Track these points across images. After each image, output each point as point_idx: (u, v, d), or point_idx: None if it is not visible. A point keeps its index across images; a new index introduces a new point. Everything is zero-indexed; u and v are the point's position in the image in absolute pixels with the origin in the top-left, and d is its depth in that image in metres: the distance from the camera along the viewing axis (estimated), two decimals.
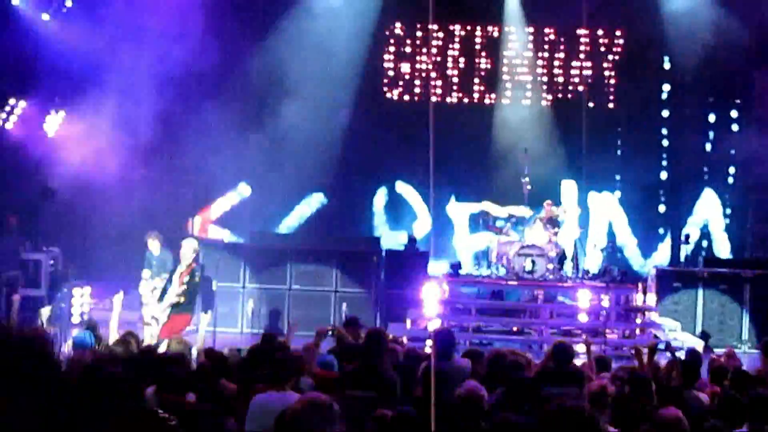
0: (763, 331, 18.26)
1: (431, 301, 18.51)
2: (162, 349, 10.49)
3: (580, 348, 12.00)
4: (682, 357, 10.65)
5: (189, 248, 13.85)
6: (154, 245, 16.56)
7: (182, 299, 13.63)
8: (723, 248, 23.74)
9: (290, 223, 23.52)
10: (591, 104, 24.11)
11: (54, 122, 20.13)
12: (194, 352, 10.66)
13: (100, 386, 4.93)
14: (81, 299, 19.07)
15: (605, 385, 8.03)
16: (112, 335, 11.89)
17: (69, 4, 19.64)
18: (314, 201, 23.73)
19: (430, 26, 24.01)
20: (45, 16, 19.41)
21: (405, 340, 15.18)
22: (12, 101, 18.74)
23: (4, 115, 18.65)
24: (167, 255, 16.25)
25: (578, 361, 10.43)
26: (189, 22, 19.86)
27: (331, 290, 19.24)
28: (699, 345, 16.96)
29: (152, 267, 16.40)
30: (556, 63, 24.28)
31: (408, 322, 18.16)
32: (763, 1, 22.24)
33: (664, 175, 24.30)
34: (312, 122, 22.68)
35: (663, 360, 11.10)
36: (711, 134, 24.13)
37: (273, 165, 22.22)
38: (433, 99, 24.06)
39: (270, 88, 22.30)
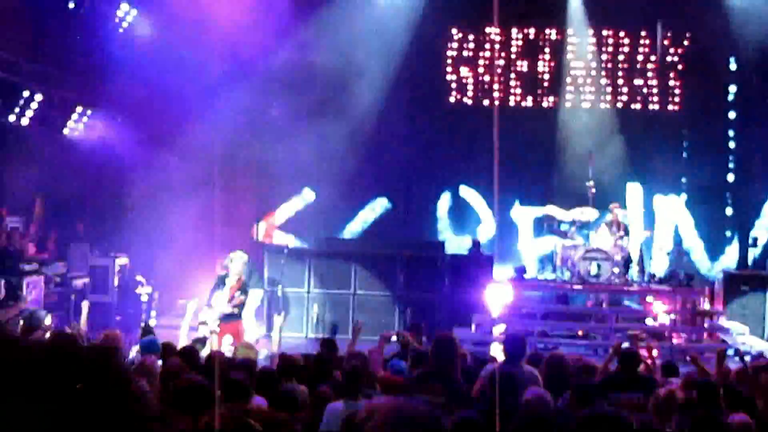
0: None
1: (496, 306, 18.50)
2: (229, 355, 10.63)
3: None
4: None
5: (240, 262, 14.27)
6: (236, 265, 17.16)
7: (236, 311, 14.10)
8: None
9: (354, 228, 23.61)
10: (656, 106, 23.96)
11: (120, 130, 20.36)
12: (262, 355, 10.76)
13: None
14: (148, 305, 19.31)
15: (674, 390, 7.99)
16: (182, 341, 12.06)
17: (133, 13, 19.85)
18: (378, 206, 23.79)
19: (492, 29, 24.00)
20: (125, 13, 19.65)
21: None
22: (80, 109, 19.00)
23: (72, 124, 18.92)
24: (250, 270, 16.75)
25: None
26: (256, 19, 19.98)
27: (395, 295, 19.29)
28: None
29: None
30: (620, 65, 24.13)
31: (473, 326, 18.16)
32: None
33: (730, 178, 24.04)
34: (375, 126, 22.75)
35: (733, 365, 10.99)
36: None
37: (337, 170, 22.30)
38: (496, 103, 24.03)
39: (333, 91, 22.39)
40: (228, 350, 11.67)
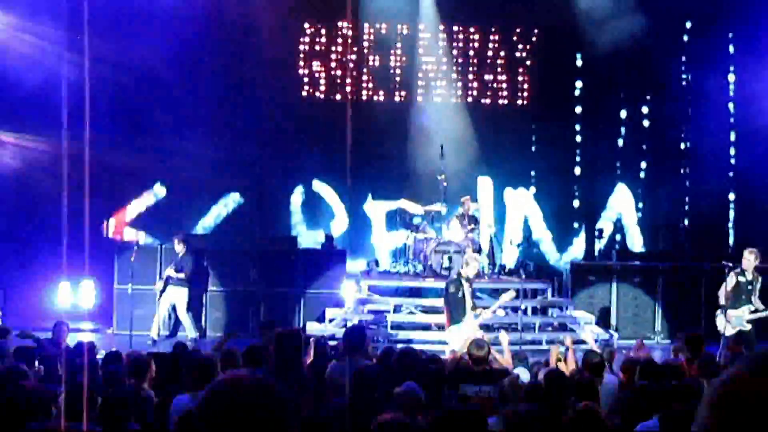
0: (676, 322, 18.62)
1: (349, 300, 18.55)
2: None
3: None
4: (597, 349, 10.83)
5: (476, 266, 14.80)
6: (178, 247, 18.09)
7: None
8: (636, 242, 24.13)
9: (207, 223, 23.32)
10: (505, 101, 24.37)
11: None
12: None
13: None
14: None
15: (517, 378, 8.13)
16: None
17: None
18: (230, 201, 23.56)
19: (343, 23, 24.03)
20: None
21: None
22: None
23: None
24: (188, 257, 17.95)
25: (497, 356, 10.50)
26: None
27: (249, 291, 19.12)
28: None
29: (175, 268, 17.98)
30: (470, 61, 24.44)
31: (327, 320, 18.16)
32: None
33: (577, 171, 24.61)
34: (226, 121, 22.55)
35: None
36: (623, 130, 24.52)
37: (189, 165, 22.00)
38: (348, 97, 24.09)
39: (183, 85, 22.08)
40: None
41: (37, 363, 9.29)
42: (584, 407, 6.56)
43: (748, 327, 14.53)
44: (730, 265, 14.91)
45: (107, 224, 21.65)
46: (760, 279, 14.85)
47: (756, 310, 14.58)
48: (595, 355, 9.74)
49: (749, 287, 14.70)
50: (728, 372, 2.27)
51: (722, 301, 14.92)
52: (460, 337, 13.47)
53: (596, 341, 14.00)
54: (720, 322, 14.61)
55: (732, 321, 14.62)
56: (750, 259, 14.86)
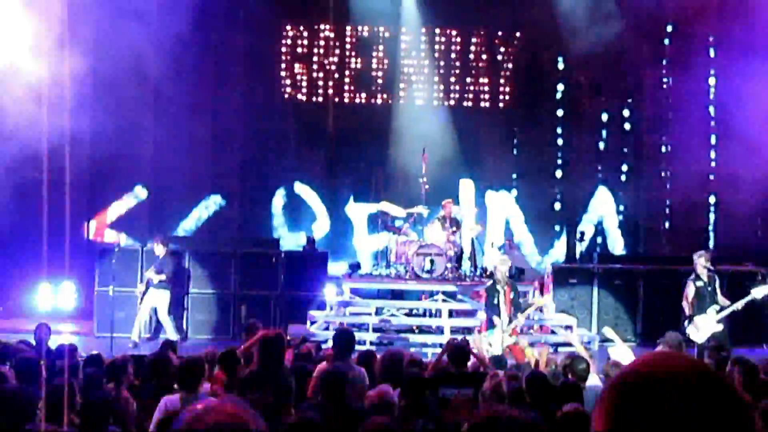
0: (657, 325, 18.65)
1: (331, 302, 18.55)
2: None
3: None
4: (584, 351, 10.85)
5: (506, 269, 14.48)
6: (158, 249, 17.85)
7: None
8: (617, 245, 24.23)
9: (188, 225, 23.27)
10: (487, 104, 24.42)
11: None
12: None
13: None
14: None
15: (501, 382, 8.13)
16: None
17: None
18: (212, 203, 23.52)
19: (325, 26, 24.03)
20: None
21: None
22: None
23: None
24: (169, 259, 17.75)
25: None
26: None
27: (230, 293, 19.07)
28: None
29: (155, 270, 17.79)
30: (452, 64, 24.48)
31: (308, 323, 18.13)
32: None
33: (559, 174, 24.68)
34: (208, 123, 22.52)
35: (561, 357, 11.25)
36: (604, 133, 24.60)
37: (170, 167, 21.96)
38: (330, 100, 24.11)
39: (165, 88, 22.01)
40: None
41: (8, 365, 9.20)
42: (574, 410, 6.54)
43: (720, 327, 14.57)
44: (712, 268, 14.97)
45: (88, 226, 21.56)
46: (717, 278, 14.89)
47: (722, 308, 14.62)
48: (581, 359, 9.75)
49: (709, 289, 14.75)
50: (623, 367, 2.29)
51: (687, 311, 14.99)
52: (495, 341, 13.69)
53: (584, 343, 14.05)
54: (690, 331, 14.64)
55: (700, 328, 14.68)
56: (701, 262, 14.95)
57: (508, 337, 13.67)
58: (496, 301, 14.13)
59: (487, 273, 20.72)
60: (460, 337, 12.33)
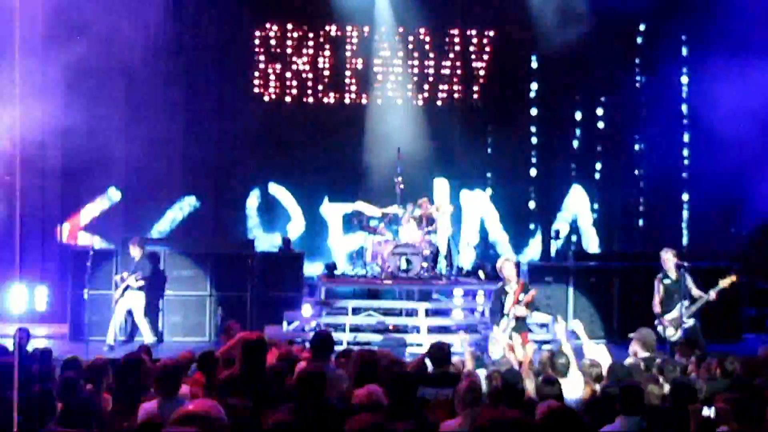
0: (632, 322, 18.68)
1: (307, 303, 18.51)
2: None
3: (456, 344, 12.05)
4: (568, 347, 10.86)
5: (510, 268, 13.87)
6: (135, 251, 17.79)
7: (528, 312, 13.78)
8: (592, 242, 24.32)
9: (162, 227, 23.16)
10: (461, 103, 24.45)
11: None
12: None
13: None
14: None
15: (476, 381, 8.12)
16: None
17: None
18: (186, 204, 23.42)
19: (298, 26, 23.98)
20: None
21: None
22: None
23: None
24: (145, 262, 17.74)
25: (455, 357, 10.48)
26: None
27: (206, 295, 18.99)
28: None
29: (131, 272, 17.70)
30: (427, 63, 24.49)
31: (284, 323, 18.10)
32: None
33: (533, 172, 24.74)
34: (181, 123, 22.45)
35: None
36: (578, 131, 24.69)
37: (143, 169, 21.84)
38: (306, 100, 24.07)
39: (137, 88, 21.93)
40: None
41: None
42: (557, 407, 6.52)
43: (691, 322, 14.62)
44: (685, 264, 14.98)
45: (61, 229, 21.43)
46: (687, 274, 14.87)
47: (691, 304, 14.65)
48: (561, 354, 9.76)
49: (677, 286, 14.78)
50: None
51: (656, 309, 15.05)
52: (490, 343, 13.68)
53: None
54: (661, 329, 14.67)
55: (671, 325, 14.73)
56: (668, 258, 14.99)
57: (508, 338, 13.54)
58: (500, 303, 13.85)
59: (463, 272, 20.81)
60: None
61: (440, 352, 9.62)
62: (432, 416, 7.58)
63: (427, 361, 10.02)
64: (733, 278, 14.51)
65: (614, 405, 7.55)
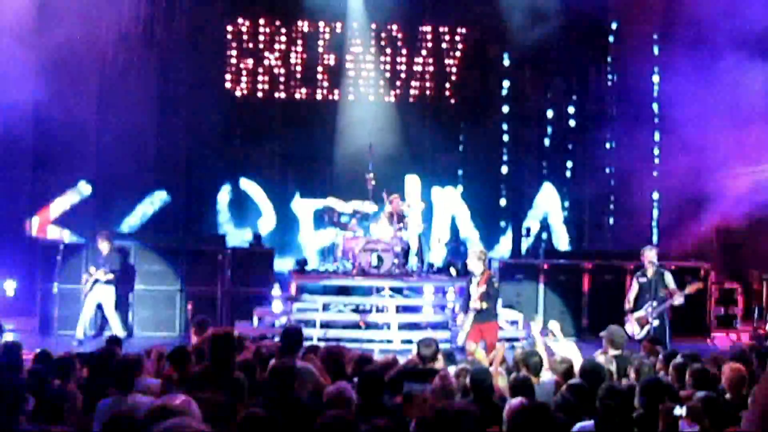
0: (602, 320, 18.76)
1: (277, 298, 18.49)
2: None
3: None
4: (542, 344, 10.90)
5: (474, 257, 13.95)
6: (103, 245, 17.69)
7: (484, 305, 13.66)
8: (562, 240, 24.41)
9: (133, 222, 23.05)
10: (433, 100, 24.47)
11: None
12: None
13: None
14: None
15: (448, 376, 8.14)
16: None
17: None
18: (157, 199, 23.31)
19: (271, 21, 23.93)
20: None
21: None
22: None
23: None
24: (114, 256, 17.62)
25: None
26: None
27: (176, 290, 18.93)
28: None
29: (99, 266, 17.60)
30: (400, 59, 24.50)
31: (255, 319, 18.07)
32: None
33: (504, 170, 24.80)
34: (153, 118, 22.36)
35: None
36: (549, 129, 24.78)
37: (114, 162, 21.73)
38: (276, 95, 24.03)
39: (110, 81, 21.82)
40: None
41: None
42: (529, 404, 6.51)
43: (656, 322, 14.73)
44: (663, 264, 15.12)
45: (31, 222, 21.30)
46: (662, 273, 14.99)
47: (658, 304, 14.75)
48: (534, 353, 9.78)
49: (649, 285, 14.88)
50: None
51: (627, 305, 15.18)
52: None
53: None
54: (628, 327, 14.76)
55: (636, 323, 14.85)
56: (648, 255, 15.09)
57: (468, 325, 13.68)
58: (469, 290, 14.03)
59: (434, 269, 20.84)
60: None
61: (428, 348, 9.68)
62: (415, 411, 7.55)
63: (411, 356, 10.11)
64: (700, 285, 14.69)
65: (585, 402, 7.56)
